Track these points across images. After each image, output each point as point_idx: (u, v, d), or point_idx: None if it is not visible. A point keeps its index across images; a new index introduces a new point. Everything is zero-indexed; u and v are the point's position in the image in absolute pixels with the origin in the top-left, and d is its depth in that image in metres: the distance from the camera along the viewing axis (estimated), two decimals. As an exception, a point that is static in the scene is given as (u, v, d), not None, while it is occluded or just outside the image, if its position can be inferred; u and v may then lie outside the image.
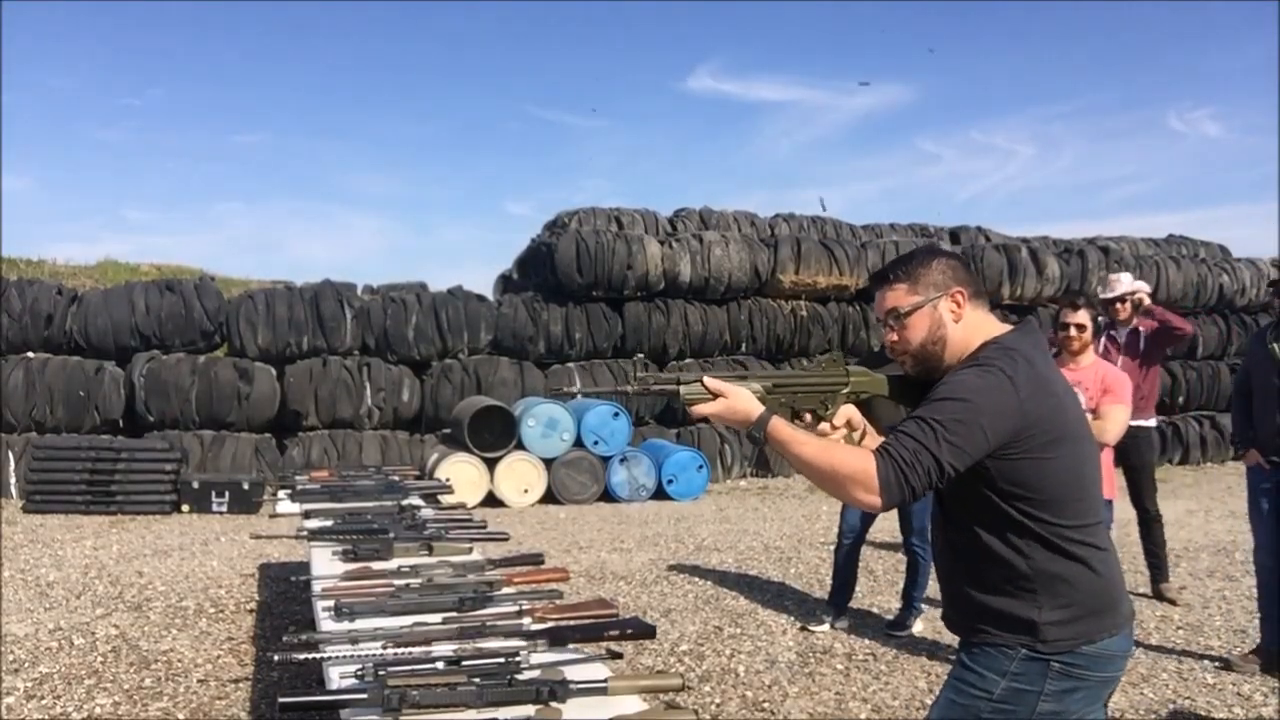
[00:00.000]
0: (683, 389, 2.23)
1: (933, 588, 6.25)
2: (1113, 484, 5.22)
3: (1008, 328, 2.27)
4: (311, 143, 44.71)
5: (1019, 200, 49.79)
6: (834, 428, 2.34)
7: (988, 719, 2.14)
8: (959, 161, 49.81)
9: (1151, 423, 6.73)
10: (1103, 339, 6.70)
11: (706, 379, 2.23)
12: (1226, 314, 14.79)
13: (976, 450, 2.04)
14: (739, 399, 2.21)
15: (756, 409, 2.19)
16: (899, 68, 47.40)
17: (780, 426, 2.15)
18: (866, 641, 5.63)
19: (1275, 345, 5.16)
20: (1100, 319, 5.63)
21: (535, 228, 13.95)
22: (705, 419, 2.26)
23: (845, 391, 2.37)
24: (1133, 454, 6.46)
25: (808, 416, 2.32)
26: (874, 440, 2.35)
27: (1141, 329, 6.67)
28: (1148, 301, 6.76)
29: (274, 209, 43.47)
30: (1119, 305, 6.70)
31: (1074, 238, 15.14)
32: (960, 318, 2.24)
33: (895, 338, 2.28)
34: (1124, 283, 6.81)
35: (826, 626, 5.82)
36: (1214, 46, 43.72)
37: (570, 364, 12.25)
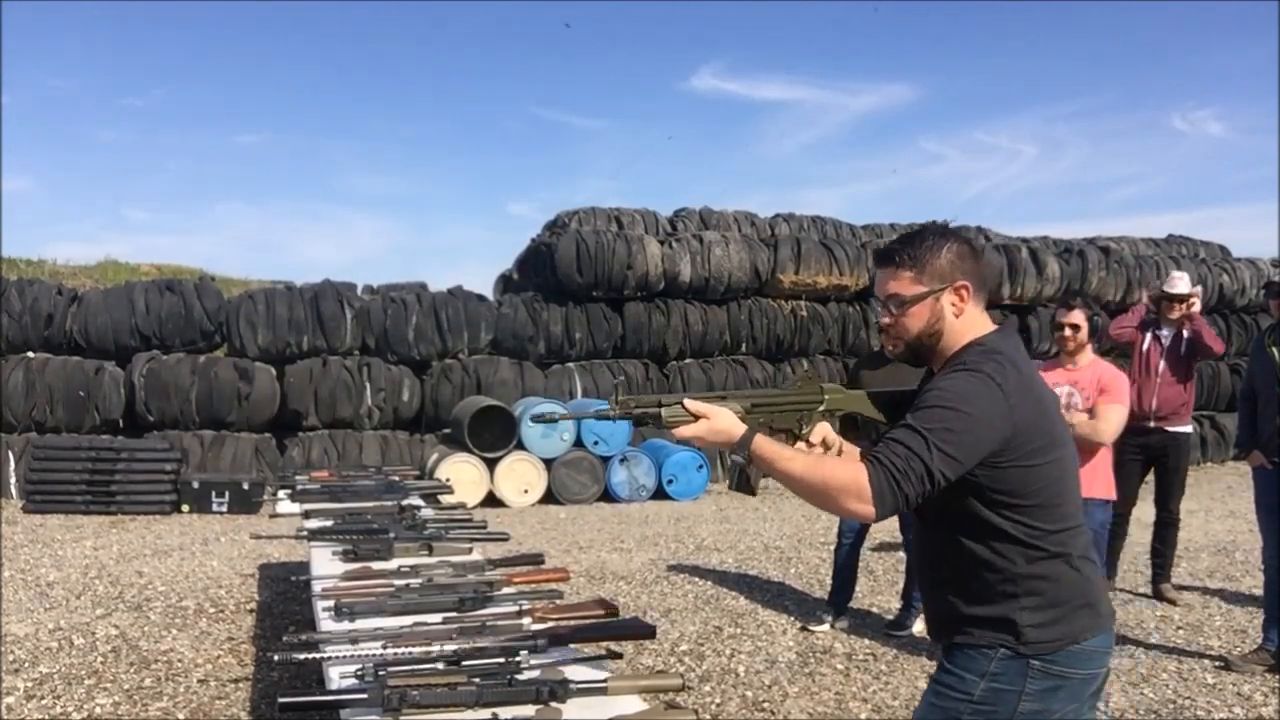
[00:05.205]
0: (664, 411, 2.22)
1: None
2: (1110, 484, 5.21)
3: (994, 326, 2.23)
4: (312, 143, 44.73)
5: (1022, 200, 49.74)
6: (810, 445, 2.31)
7: None
8: (962, 161, 49.75)
9: (1189, 428, 6.70)
10: (1148, 335, 6.64)
11: (687, 401, 2.20)
12: (1226, 314, 14.79)
13: (968, 458, 2.00)
14: (721, 419, 2.17)
15: (739, 428, 2.15)
16: (903, 67, 47.37)
17: (765, 444, 2.12)
18: (866, 641, 5.63)
19: (1275, 349, 5.19)
20: (1126, 316, 5.60)
21: (535, 228, 13.96)
22: (689, 441, 2.22)
23: (821, 410, 2.35)
24: (1170, 457, 6.47)
25: (783, 437, 2.28)
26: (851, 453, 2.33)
27: (1185, 334, 6.61)
28: (1197, 308, 6.71)
29: (274, 209, 43.49)
30: (1177, 305, 6.62)
31: (1074, 238, 15.13)
32: (961, 312, 2.19)
33: (891, 323, 2.23)
34: (1186, 283, 6.74)
35: (826, 626, 5.82)
36: (1218, 46, 43.70)
37: (570, 364, 12.25)
